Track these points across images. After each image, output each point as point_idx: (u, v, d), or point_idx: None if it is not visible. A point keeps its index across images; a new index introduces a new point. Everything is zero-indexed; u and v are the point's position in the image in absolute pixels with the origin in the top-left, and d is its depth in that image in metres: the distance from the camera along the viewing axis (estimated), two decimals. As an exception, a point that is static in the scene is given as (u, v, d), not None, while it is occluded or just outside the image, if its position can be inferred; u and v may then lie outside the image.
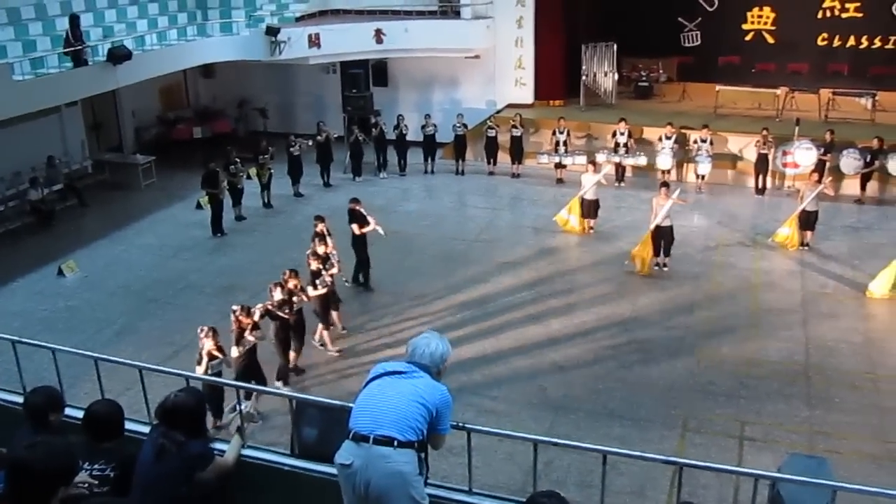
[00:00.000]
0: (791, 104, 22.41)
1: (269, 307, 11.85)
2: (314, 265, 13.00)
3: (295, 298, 12.28)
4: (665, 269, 16.09)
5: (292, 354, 12.62)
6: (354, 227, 14.94)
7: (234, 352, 11.04)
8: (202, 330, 10.78)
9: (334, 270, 13.45)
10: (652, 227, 15.80)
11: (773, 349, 13.36)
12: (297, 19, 23.68)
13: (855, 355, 13.22)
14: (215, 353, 10.67)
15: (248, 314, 11.24)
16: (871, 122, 21.41)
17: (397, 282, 15.95)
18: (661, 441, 10.91)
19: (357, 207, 15.05)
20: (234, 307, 11.31)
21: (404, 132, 22.33)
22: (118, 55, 18.14)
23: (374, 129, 22.19)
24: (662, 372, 12.75)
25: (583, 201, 17.69)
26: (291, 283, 12.30)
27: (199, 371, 10.32)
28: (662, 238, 15.91)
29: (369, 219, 14.98)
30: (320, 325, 13.28)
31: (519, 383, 12.49)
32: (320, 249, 13.44)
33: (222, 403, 10.70)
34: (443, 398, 4.34)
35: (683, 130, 21.05)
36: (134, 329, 11.97)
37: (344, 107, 24.09)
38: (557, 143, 21.25)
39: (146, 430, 5.17)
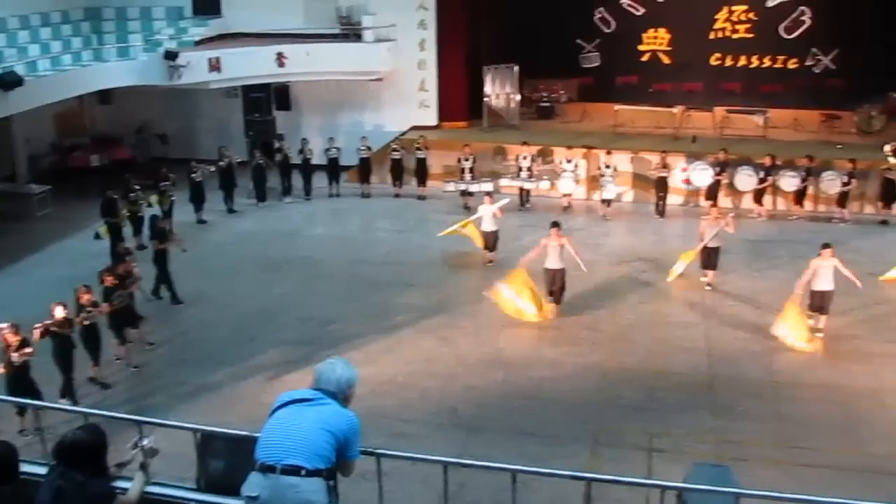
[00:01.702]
0: (687, 122, 23.07)
1: (49, 326, 11.86)
2: (108, 281, 13.32)
3: (85, 313, 12.55)
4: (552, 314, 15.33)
5: (92, 367, 13.04)
6: (154, 242, 16.11)
7: None
8: None
9: (133, 289, 14.11)
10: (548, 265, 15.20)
11: (677, 361, 13.67)
12: (197, 43, 23.28)
13: (755, 364, 13.63)
14: None
15: (16, 332, 11.29)
16: (764, 139, 22.20)
17: (305, 306, 15.80)
18: (573, 456, 11.00)
19: (160, 224, 16.75)
20: (2, 325, 11.31)
21: (308, 156, 22.17)
22: (8, 82, 17.56)
23: (277, 154, 21.99)
24: (572, 387, 12.90)
25: (483, 234, 17.35)
26: (84, 298, 12.58)
27: None
28: (554, 281, 15.23)
29: (169, 235, 16.30)
30: (116, 341, 13.74)
31: (430, 405, 12.48)
32: (120, 269, 13.97)
33: None
34: (350, 424, 4.29)
35: (587, 152, 21.34)
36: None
37: (246, 131, 23.76)
38: (463, 171, 21.12)
39: (44, 471, 4.96)
